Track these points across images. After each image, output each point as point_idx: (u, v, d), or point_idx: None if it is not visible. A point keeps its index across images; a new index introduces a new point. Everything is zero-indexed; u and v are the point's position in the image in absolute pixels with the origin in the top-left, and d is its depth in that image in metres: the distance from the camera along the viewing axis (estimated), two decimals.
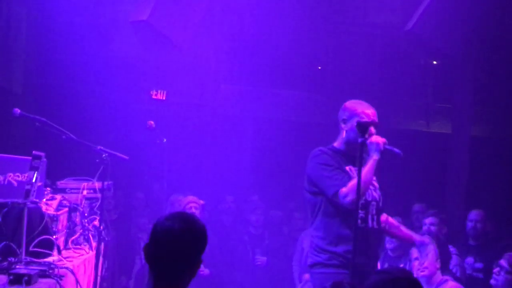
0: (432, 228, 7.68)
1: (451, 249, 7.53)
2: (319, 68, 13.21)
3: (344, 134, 5.23)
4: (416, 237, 5.58)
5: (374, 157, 5.04)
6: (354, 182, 4.90)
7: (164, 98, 12.10)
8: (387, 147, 5.07)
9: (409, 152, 5.08)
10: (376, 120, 5.22)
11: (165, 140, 6.97)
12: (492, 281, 5.44)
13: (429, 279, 6.02)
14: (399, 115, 12.48)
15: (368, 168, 5.01)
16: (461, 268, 7.40)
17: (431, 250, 6.09)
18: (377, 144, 5.04)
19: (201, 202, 7.90)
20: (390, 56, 11.81)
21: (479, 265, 7.54)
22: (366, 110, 5.20)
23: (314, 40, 11.95)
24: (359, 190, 4.75)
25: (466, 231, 7.99)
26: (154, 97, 12.00)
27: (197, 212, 7.59)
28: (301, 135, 12.70)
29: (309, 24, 11.68)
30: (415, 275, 6.03)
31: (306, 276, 8.34)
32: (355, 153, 5.10)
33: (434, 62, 12.80)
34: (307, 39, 11.89)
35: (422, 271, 6.01)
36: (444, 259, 6.45)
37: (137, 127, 8.24)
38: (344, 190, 4.94)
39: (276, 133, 12.48)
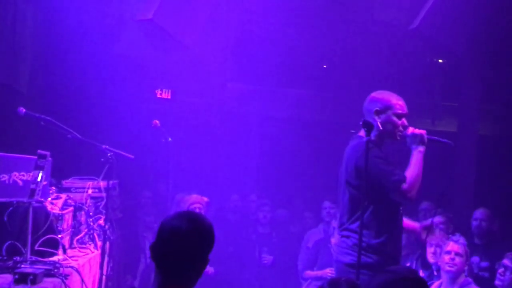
0: (440, 226, 7.66)
1: None
2: (325, 66, 13.19)
3: (379, 125, 4.98)
4: (419, 224, 5.37)
5: (420, 149, 4.92)
6: (411, 178, 4.80)
7: (169, 97, 12.11)
8: (432, 137, 4.99)
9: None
10: (407, 111, 5.10)
11: (170, 139, 6.96)
12: (497, 282, 5.38)
13: (454, 276, 5.98)
14: None
15: (418, 162, 4.88)
16: (468, 266, 7.38)
17: (464, 249, 6.06)
18: (421, 135, 4.93)
19: (205, 199, 7.87)
20: (396, 55, 11.78)
21: (484, 264, 7.51)
22: (399, 102, 5.06)
23: (320, 38, 11.93)
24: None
25: (471, 230, 7.96)
26: (159, 96, 12.01)
27: (201, 210, 7.58)
28: (307, 133, 12.70)
29: (315, 23, 11.66)
30: (442, 269, 6.01)
31: (309, 273, 8.32)
32: (386, 145, 5.04)
33: (440, 61, 12.78)
34: (313, 38, 11.87)
35: (451, 267, 5.97)
36: None
37: (142, 126, 8.23)
38: (405, 186, 4.79)
39: (282, 132, 12.47)
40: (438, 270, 6.72)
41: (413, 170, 4.87)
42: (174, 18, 9.57)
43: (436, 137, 5.03)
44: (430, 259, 6.82)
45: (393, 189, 4.83)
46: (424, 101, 13.40)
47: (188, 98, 12.34)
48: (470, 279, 6.05)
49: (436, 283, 6.25)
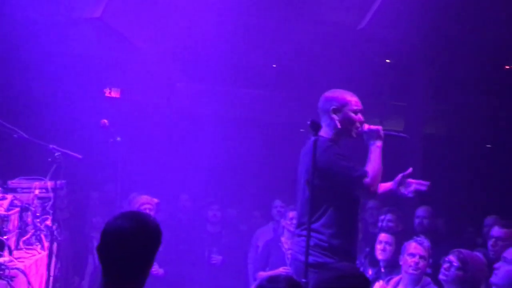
0: (390, 224, 7.78)
1: None
2: (274, 66, 13.24)
3: (337, 124, 5.07)
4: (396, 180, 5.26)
5: (377, 144, 5.02)
6: (373, 172, 4.88)
7: (118, 96, 12.02)
8: (388, 132, 5.10)
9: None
10: (362, 106, 5.17)
11: (119, 138, 6.90)
12: (441, 277, 5.45)
13: (416, 278, 6.03)
14: None
15: (377, 156, 4.98)
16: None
17: (428, 252, 6.11)
18: (378, 131, 5.03)
19: (155, 200, 7.84)
20: (345, 55, 11.88)
21: None
22: (353, 98, 5.14)
23: (270, 38, 11.96)
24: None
25: (414, 227, 8.11)
26: (108, 95, 11.91)
27: (151, 212, 7.54)
28: (257, 133, 12.73)
29: (264, 22, 11.69)
30: (403, 270, 6.06)
31: (262, 274, 8.33)
32: (343, 142, 5.09)
33: (388, 61, 12.93)
34: (263, 38, 11.89)
35: (415, 270, 6.00)
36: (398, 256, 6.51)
37: (91, 126, 8.15)
38: (368, 180, 4.86)
39: (231, 131, 12.47)
40: (386, 267, 6.81)
41: (373, 164, 4.96)
42: (122, 17, 9.51)
43: (392, 132, 5.15)
44: (379, 255, 6.90)
45: (357, 185, 4.89)
46: (372, 100, 13.52)
47: (137, 97, 12.27)
48: (429, 279, 6.10)
49: (395, 279, 6.30)
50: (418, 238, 6.35)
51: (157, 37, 10.71)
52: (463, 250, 5.53)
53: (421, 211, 8.14)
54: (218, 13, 10.56)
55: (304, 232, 5.00)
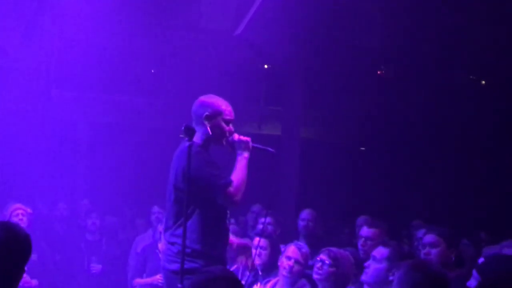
0: (269, 227, 7.85)
1: (283, 248, 7.74)
2: (153, 71, 13.20)
3: (208, 130, 5.05)
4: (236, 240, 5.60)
5: (245, 155, 5.04)
6: (237, 182, 4.90)
7: None
8: (256, 145, 5.13)
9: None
10: (234, 117, 5.21)
11: None
12: (315, 276, 5.60)
13: (290, 281, 6.10)
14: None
15: (243, 167, 5.00)
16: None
17: (305, 258, 6.19)
18: (247, 142, 5.06)
19: (29, 210, 7.61)
20: (223, 61, 11.99)
21: (310, 262, 7.79)
22: (228, 108, 5.14)
23: (148, 45, 11.92)
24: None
25: (298, 230, 8.22)
26: None
27: (24, 220, 7.31)
28: (136, 139, 12.64)
29: (143, 29, 11.63)
30: (279, 272, 6.13)
31: (138, 281, 8.24)
32: (213, 149, 5.10)
33: (266, 66, 13.15)
34: (141, 44, 11.84)
35: (288, 273, 6.06)
36: (276, 258, 6.62)
37: None
38: (231, 189, 4.88)
39: (110, 138, 12.33)
40: (263, 270, 6.89)
41: (238, 174, 4.98)
42: None
43: (260, 145, 5.20)
44: (255, 260, 6.98)
45: (220, 192, 4.90)
46: (250, 105, 13.72)
47: (11, 105, 11.91)
48: (304, 281, 6.20)
49: (273, 281, 6.36)
50: (299, 243, 6.42)
51: (29, 43, 10.46)
52: (332, 248, 5.72)
53: (305, 213, 8.21)
54: (93, 19, 10.44)
55: (170, 239, 5.04)
